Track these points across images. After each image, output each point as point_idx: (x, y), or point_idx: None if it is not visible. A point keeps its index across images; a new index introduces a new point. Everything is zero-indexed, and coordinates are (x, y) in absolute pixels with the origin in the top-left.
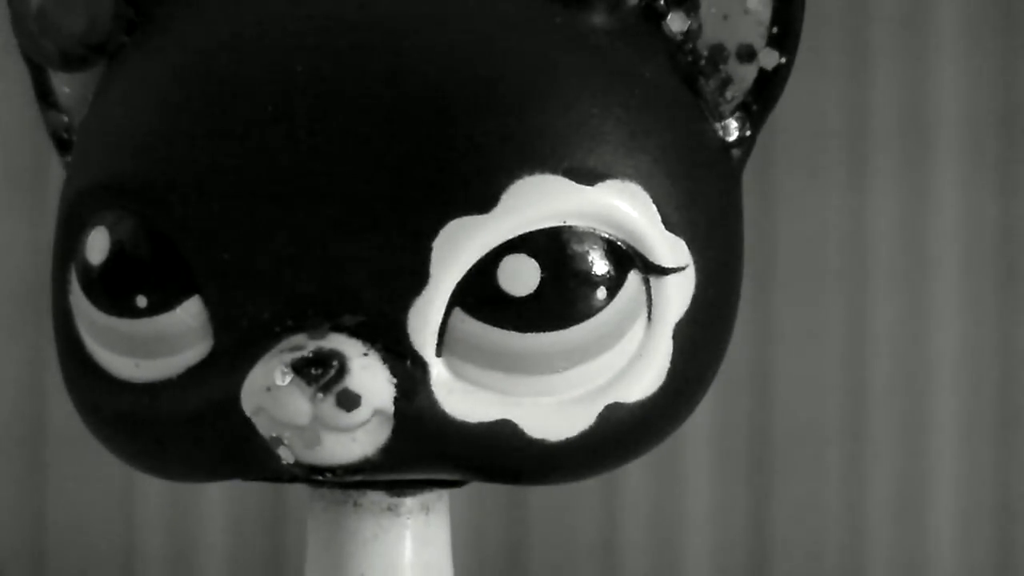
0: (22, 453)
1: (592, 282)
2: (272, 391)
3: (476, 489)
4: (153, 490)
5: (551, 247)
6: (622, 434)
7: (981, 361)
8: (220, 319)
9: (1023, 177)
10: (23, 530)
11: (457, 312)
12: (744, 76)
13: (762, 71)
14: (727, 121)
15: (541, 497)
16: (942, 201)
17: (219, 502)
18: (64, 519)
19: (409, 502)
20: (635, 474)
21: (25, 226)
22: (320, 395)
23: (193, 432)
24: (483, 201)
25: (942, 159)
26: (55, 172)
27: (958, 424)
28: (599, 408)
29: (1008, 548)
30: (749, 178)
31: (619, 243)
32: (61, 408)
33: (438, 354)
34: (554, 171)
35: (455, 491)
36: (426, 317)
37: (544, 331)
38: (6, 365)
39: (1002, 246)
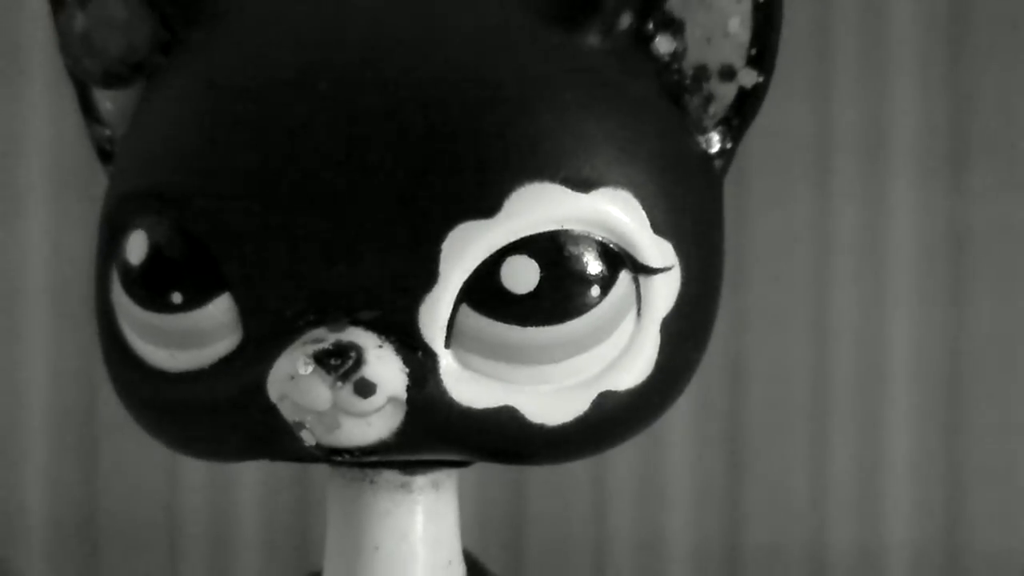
0: (78, 437)
1: (587, 281)
2: (295, 379)
3: (481, 468)
4: (194, 469)
5: (550, 249)
6: (614, 419)
7: (933, 351)
8: (248, 314)
9: (972, 185)
10: (79, 504)
11: (464, 308)
12: (725, 94)
13: (741, 89)
14: (710, 134)
15: (539, 476)
16: (898, 206)
17: (252, 482)
18: (114, 494)
19: (420, 480)
20: (623, 454)
21: (78, 231)
22: (339, 383)
23: (223, 417)
24: (487, 207)
25: (898, 168)
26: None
27: (911, 408)
28: (593, 395)
29: (958, 522)
30: (727, 185)
31: (611, 245)
32: (110, 397)
33: (446, 346)
34: (552, 180)
35: (462, 470)
36: (436, 312)
37: (543, 325)
38: (64, 359)
39: (952, 247)
